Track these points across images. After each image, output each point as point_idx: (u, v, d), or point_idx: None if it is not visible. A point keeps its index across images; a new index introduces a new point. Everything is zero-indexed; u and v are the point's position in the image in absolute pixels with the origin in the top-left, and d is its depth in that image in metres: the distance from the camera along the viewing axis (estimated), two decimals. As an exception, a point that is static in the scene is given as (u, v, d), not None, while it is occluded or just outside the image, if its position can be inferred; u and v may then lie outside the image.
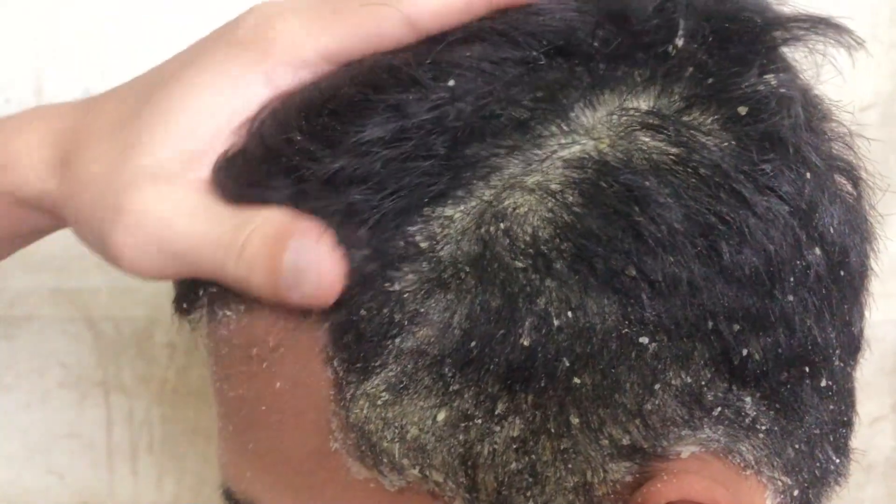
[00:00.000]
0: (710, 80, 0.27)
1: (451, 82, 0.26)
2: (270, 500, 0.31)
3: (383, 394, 0.27)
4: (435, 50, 0.27)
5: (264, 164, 0.28)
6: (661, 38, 0.27)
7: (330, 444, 0.28)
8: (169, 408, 0.57)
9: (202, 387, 0.57)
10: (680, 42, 0.27)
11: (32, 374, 0.57)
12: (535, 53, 0.27)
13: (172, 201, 0.29)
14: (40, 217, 0.34)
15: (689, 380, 0.26)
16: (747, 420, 0.27)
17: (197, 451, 0.57)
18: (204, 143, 0.29)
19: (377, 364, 0.27)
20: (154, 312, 0.56)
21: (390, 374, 0.27)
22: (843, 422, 0.30)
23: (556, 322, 0.25)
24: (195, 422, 0.57)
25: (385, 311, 0.27)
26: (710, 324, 0.26)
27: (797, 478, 0.29)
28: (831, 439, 0.29)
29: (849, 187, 0.29)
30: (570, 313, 0.25)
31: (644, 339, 0.25)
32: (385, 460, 0.27)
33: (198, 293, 0.31)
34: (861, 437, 0.31)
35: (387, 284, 0.27)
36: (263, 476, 0.31)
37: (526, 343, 0.25)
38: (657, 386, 0.26)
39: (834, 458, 0.29)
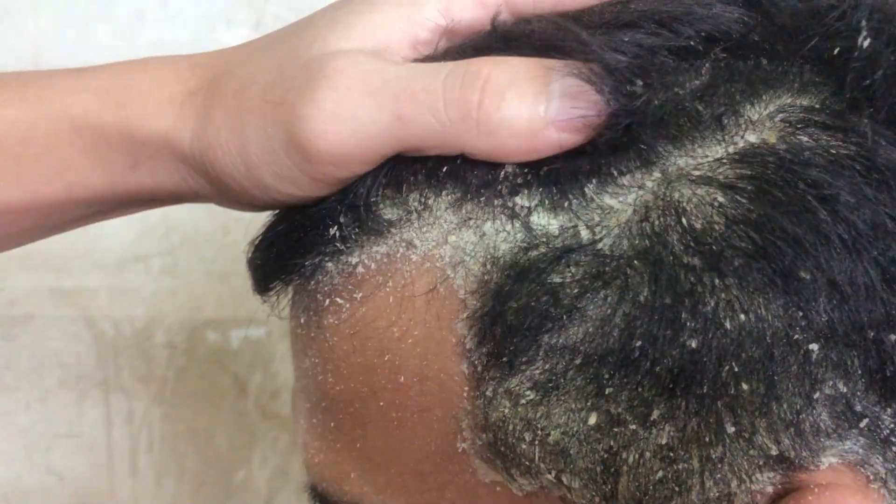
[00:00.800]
0: (887, 81, 0.26)
1: (608, 58, 0.26)
2: (379, 502, 0.29)
3: (528, 392, 0.25)
4: (593, 34, 0.27)
5: None
6: (835, 36, 0.26)
7: (457, 444, 0.27)
8: (169, 408, 0.57)
9: (202, 387, 0.57)
10: (866, 43, 0.26)
11: (32, 374, 0.56)
12: (693, 44, 0.26)
13: (376, 58, 0.28)
14: (153, 168, 0.31)
15: (844, 389, 0.25)
16: (885, 432, 0.26)
17: (197, 451, 0.57)
18: (380, 45, 0.28)
19: (524, 360, 0.25)
20: (154, 312, 0.56)
21: (537, 371, 0.25)
22: None
23: (726, 324, 0.24)
24: (195, 422, 0.57)
25: (540, 303, 0.25)
26: (873, 332, 0.24)
27: None
28: None
29: None
30: (742, 315, 0.24)
31: (813, 346, 0.24)
32: (521, 463, 0.26)
33: (295, 265, 0.29)
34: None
35: (544, 275, 0.25)
36: (373, 476, 0.29)
37: (693, 345, 0.24)
38: (816, 395, 0.24)
39: None
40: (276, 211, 0.31)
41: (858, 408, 0.25)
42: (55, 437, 0.57)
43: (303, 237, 0.29)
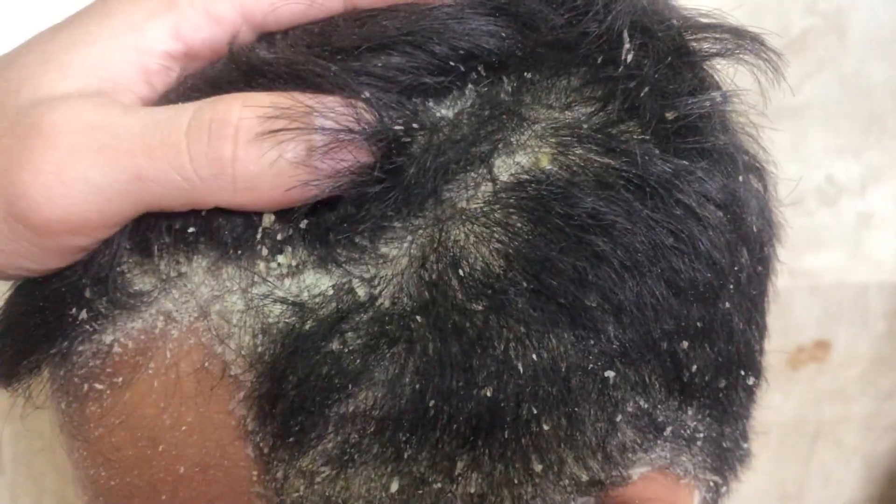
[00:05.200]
0: (653, 95, 0.25)
1: (366, 94, 0.23)
2: None
3: (323, 469, 0.24)
4: (345, 59, 0.24)
5: None
6: (598, 49, 0.25)
7: None
8: (21, 424, 0.53)
9: (58, 400, 0.54)
10: (629, 57, 0.25)
11: None
12: (453, 64, 0.24)
13: (101, 106, 0.24)
14: None
15: (645, 405, 0.25)
16: (688, 432, 0.26)
17: (56, 469, 0.54)
18: (106, 84, 0.25)
19: (313, 436, 0.23)
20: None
21: (329, 445, 0.23)
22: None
23: (519, 366, 0.23)
24: (51, 438, 0.53)
25: (322, 375, 0.23)
26: (665, 344, 0.24)
27: (724, 474, 0.29)
28: (744, 429, 0.29)
29: (755, 181, 0.29)
30: (533, 355, 0.23)
31: (610, 373, 0.24)
32: None
33: (39, 355, 0.26)
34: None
35: (322, 344, 0.23)
36: None
37: (488, 394, 0.23)
38: (618, 417, 0.24)
39: (743, 444, 0.30)
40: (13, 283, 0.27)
41: (661, 418, 0.25)
42: None
43: (44, 321, 0.26)
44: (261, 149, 0.23)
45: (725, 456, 0.28)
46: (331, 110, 0.23)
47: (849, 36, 0.59)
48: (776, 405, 0.66)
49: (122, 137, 0.23)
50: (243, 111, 0.23)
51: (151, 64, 0.26)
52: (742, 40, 0.27)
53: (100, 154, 0.23)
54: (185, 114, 0.24)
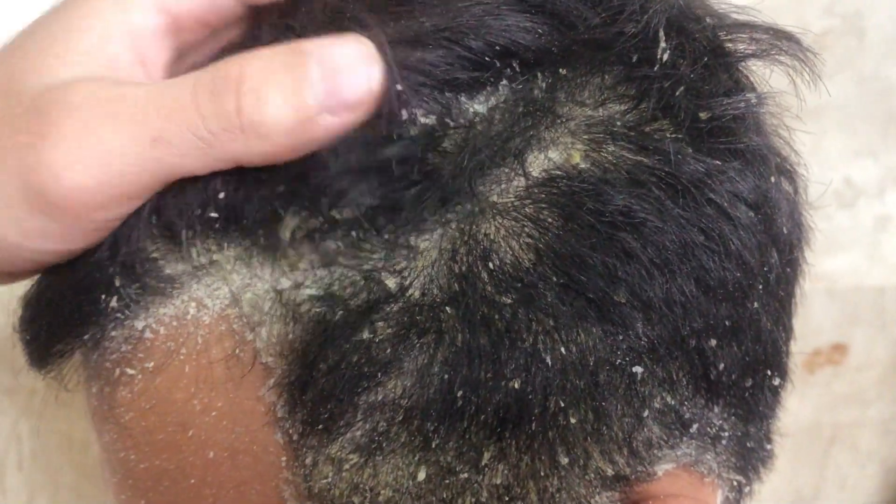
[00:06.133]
0: (688, 94, 0.25)
1: (398, 87, 0.24)
2: None
3: (351, 456, 0.24)
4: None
5: None
6: (634, 48, 0.25)
7: None
8: (39, 420, 0.53)
9: (76, 396, 0.54)
10: (665, 56, 0.25)
11: None
12: (488, 59, 0.24)
13: (113, 83, 0.24)
14: None
15: (672, 401, 0.25)
16: (714, 430, 0.26)
17: (73, 464, 0.54)
18: (107, 70, 0.25)
19: (342, 424, 0.24)
20: (16, 318, 0.52)
21: (358, 433, 0.24)
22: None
23: (547, 359, 0.23)
24: (69, 433, 0.54)
25: (352, 363, 0.23)
26: (694, 342, 0.24)
27: (747, 474, 0.29)
28: (768, 430, 0.30)
29: (786, 183, 0.29)
30: (562, 349, 0.23)
31: (637, 369, 0.24)
32: None
33: (71, 341, 0.26)
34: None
35: (352, 333, 0.23)
36: None
37: (516, 385, 0.23)
38: (645, 413, 0.24)
39: (766, 445, 0.30)
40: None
41: (687, 415, 0.26)
42: None
43: (76, 308, 0.26)
44: (262, 95, 0.23)
45: (749, 456, 0.28)
46: (330, 55, 0.23)
47: (867, 37, 0.59)
48: (792, 408, 0.65)
49: (137, 104, 0.24)
50: (245, 64, 0.23)
51: (144, 46, 0.26)
52: (778, 41, 0.27)
53: (116, 120, 0.24)
54: (192, 77, 0.24)
